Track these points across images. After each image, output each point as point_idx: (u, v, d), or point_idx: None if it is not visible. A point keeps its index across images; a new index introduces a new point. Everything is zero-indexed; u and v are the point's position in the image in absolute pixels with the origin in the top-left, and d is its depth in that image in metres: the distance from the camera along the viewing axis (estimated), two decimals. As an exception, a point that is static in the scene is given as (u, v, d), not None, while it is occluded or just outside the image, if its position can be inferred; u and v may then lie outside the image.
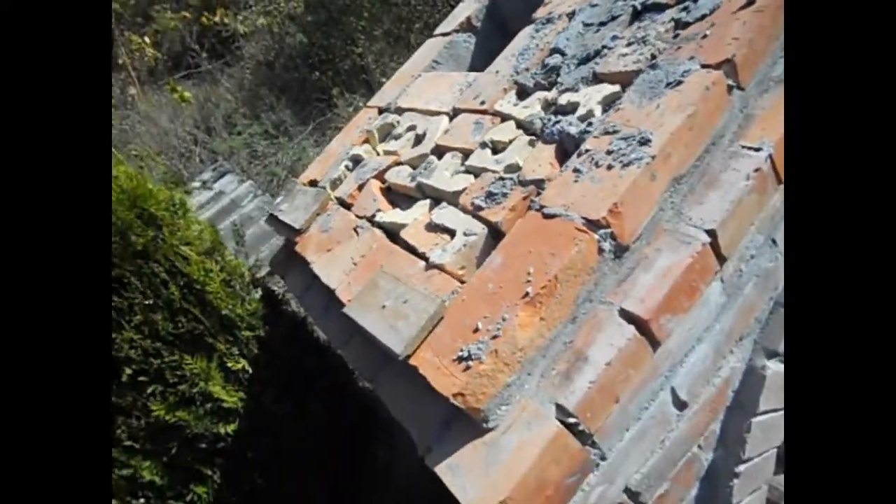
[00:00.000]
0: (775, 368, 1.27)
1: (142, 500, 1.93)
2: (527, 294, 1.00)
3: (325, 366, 2.11)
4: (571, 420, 0.97)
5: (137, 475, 1.87)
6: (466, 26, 2.14)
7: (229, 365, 1.85)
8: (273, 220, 1.99)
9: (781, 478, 2.03)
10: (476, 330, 1.03)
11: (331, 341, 1.55)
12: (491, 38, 2.10)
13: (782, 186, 1.14)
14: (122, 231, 1.61)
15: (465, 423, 1.06)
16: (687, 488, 1.29)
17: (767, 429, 1.32)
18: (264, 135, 5.31)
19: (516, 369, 1.01)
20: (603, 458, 1.10)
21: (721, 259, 1.07)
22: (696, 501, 1.33)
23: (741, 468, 1.30)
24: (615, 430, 1.10)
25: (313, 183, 1.97)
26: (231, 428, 1.93)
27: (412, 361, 1.09)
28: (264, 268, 2.35)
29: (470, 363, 0.99)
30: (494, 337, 0.99)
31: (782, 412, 1.36)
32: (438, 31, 2.28)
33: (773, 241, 1.21)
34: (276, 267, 1.99)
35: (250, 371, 1.92)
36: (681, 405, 1.18)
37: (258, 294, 2.01)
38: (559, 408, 0.98)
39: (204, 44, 6.74)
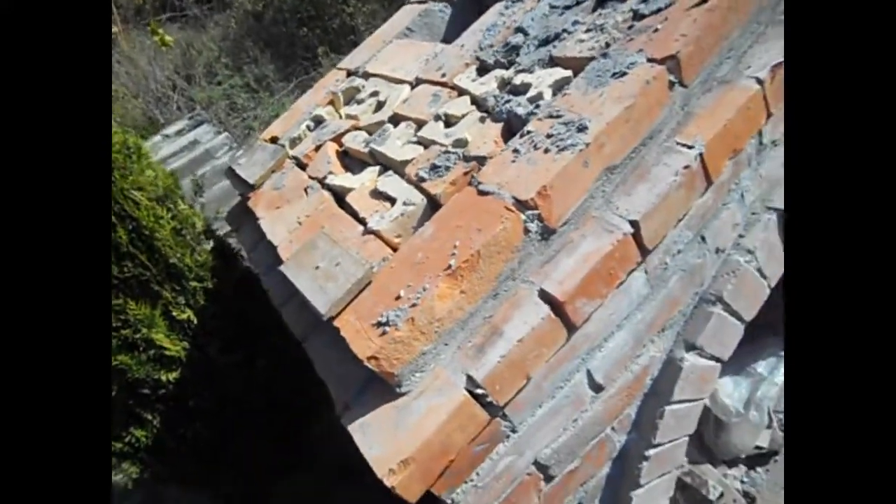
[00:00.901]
0: (693, 361, 1.31)
1: (79, 439, 1.95)
2: (449, 266, 1.03)
3: (273, 323, 2.13)
4: (479, 391, 1.01)
5: (76, 414, 1.88)
6: (444, -4, 2.12)
7: (174, 314, 1.86)
8: (231, 173, 1.98)
9: (707, 467, 2.13)
10: (398, 297, 1.05)
11: (272, 301, 1.56)
12: (467, 9, 2.08)
13: (713, 187, 1.18)
14: (71, 170, 1.59)
15: (380, 387, 1.09)
16: (598, 467, 1.34)
17: (680, 418, 1.38)
18: (245, 87, 5.22)
19: (433, 339, 1.04)
20: (514, 430, 1.14)
21: (644, 250, 1.10)
22: (607, 480, 1.39)
23: (651, 452, 1.36)
24: (528, 405, 1.14)
25: (274, 140, 1.96)
26: (173, 376, 1.94)
27: (336, 323, 1.11)
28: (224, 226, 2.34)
29: (387, 329, 1.01)
30: (413, 305, 1.02)
31: (696, 403, 1.42)
32: (416, -3, 2.25)
33: (703, 238, 1.24)
34: (231, 220, 1.99)
35: (196, 322, 1.93)
36: (596, 388, 1.23)
37: (210, 245, 2.01)
38: (469, 379, 1.01)
39: (193, -14, 6.55)
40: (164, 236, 1.78)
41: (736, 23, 1.16)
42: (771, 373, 1.91)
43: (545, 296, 1.04)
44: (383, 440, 1.01)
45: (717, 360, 1.38)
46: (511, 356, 1.01)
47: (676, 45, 1.12)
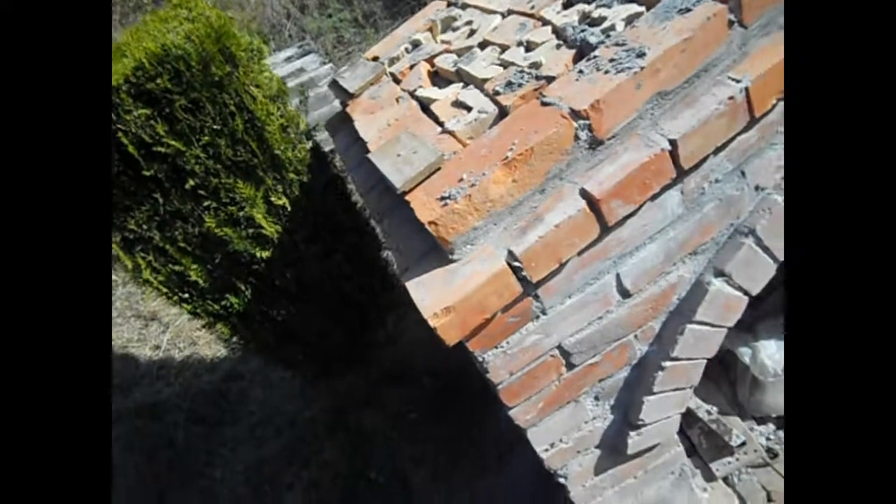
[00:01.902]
0: (719, 286, 1.44)
1: (186, 295, 2.33)
2: (506, 157, 1.22)
3: (354, 224, 2.41)
4: (516, 264, 1.21)
5: (186, 273, 2.24)
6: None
7: (272, 199, 2.16)
8: (334, 85, 2.23)
9: (735, 418, 2.24)
10: (461, 180, 1.26)
11: (358, 190, 1.81)
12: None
13: (758, 125, 1.29)
14: (205, 61, 1.89)
15: (437, 255, 1.31)
16: (617, 368, 1.52)
17: (700, 338, 1.51)
18: (353, 22, 5.49)
19: (484, 216, 1.24)
20: (543, 312, 1.34)
21: (679, 168, 1.24)
22: (625, 383, 1.56)
23: (668, 364, 1.51)
24: (558, 292, 1.33)
25: (375, 59, 2.19)
26: (265, 254, 2.27)
27: (407, 197, 1.33)
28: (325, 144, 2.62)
29: (448, 201, 1.22)
30: (472, 185, 1.22)
31: (717, 330, 1.54)
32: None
33: (742, 173, 1.36)
34: (329, 127, 2.26)
35: (289, 209, 2.23)
36: (623, 292, 1.40)
37: (309, 145, 2.29)
38: (510, 253, 1.21)
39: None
40: (272, 130, 2.06)
41: (805, -28, 1.24)
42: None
43: (584, 193, 1.22)
44: (433, 294, 1.24)
45: (745, 293, 1.49)
46: (547, 238, 1.20)
47: (742, -14, 1.22)
